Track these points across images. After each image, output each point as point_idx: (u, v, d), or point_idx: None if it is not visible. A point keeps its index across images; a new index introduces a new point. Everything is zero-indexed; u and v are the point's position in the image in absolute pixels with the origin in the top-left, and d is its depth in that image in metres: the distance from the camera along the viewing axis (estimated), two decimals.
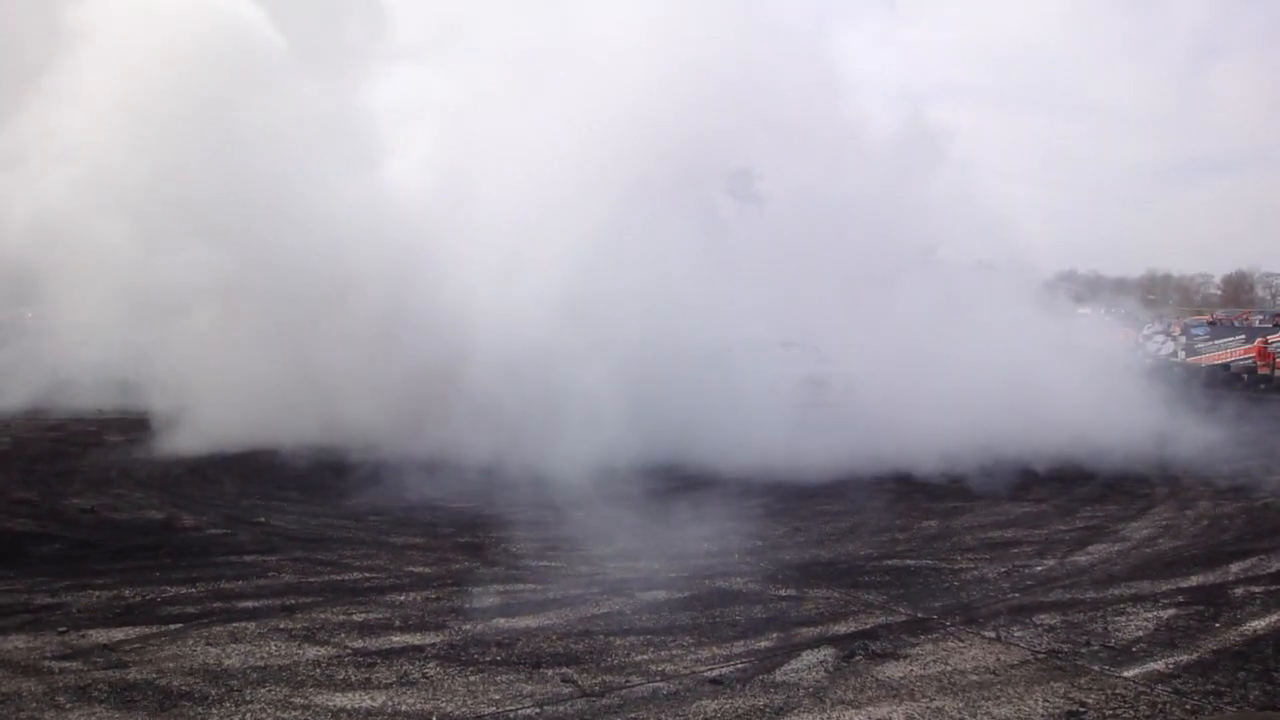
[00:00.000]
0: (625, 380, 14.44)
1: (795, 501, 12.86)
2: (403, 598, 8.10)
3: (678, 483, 13.88)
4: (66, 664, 6.36)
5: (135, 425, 18.59)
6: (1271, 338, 38.11)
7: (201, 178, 15.75)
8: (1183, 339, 41.49)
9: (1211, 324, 42.82)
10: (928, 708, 5.87)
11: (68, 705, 5.70)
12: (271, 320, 16.66)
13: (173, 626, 7.18)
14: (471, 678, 6.26)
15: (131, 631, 7.03)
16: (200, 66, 16.13)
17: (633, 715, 5.77)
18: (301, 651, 6.69)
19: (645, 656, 6.72)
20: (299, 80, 17.37)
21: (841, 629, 7.36)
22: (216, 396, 16.87)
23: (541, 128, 16.39)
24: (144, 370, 19.76)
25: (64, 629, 7.03)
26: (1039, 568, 9.43)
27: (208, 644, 6.79)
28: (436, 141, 17.15)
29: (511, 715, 5.74)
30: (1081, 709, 5.88)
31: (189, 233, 15.89)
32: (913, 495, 13.33)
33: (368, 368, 15.92)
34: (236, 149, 16.04)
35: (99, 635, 6.93)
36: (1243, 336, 40.03)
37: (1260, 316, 48.98)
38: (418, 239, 16.13)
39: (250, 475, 14.39)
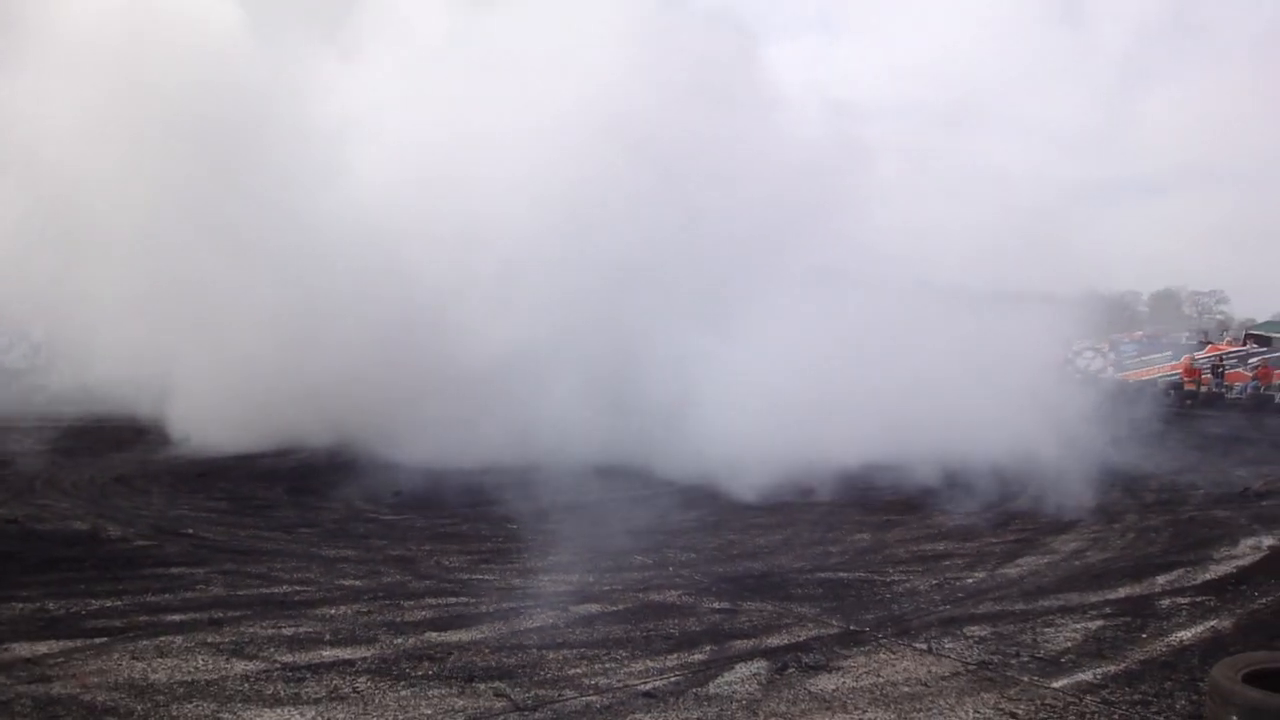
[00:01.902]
0: (575, 389, 14.52)
1: (730, 514, 12.89)
2: (333, 611, 8.02)
3: (614, 493, 13.85)
4: None
5: (65, 434, 18.29)
6: (1198, 355, 38.86)
7: (202, 187, 15.80)
8: (1112, 355, 42.20)
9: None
10: (860, 719, 5.91)
11: None
12: (252, 322, 16.64)
13: (98, 640, 7.05)
14: (403, 692, 6.21)
15: (55, 645, 6.90)
16: (193, 80, 16.18)
17: None
18: (229, 666, 6.60)
19: (578, 670, 6.70)
20: (289, 89, 17.41)
21: (775, 641, 7.39)
22: (199, 401, 16.85)
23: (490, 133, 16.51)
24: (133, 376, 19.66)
25: None
26: (970, 580, 9.51)
27: (133, 658, 6.68)
28: (406, 144, 17.20)
29: None
30: (1012, 719, 5.95)
31: (190, 240, 15.87)
32: (845, 508, 13.38)
33: (328, 371, 15.96)
34: (233, 158, 16.07)
35: (22, 649, 6.79)
36: (1170, 353, 40.79)
37: (1186, 334, 49.95)
38: (391, 243, 16.17)
39: (179, 485, 14.20)
